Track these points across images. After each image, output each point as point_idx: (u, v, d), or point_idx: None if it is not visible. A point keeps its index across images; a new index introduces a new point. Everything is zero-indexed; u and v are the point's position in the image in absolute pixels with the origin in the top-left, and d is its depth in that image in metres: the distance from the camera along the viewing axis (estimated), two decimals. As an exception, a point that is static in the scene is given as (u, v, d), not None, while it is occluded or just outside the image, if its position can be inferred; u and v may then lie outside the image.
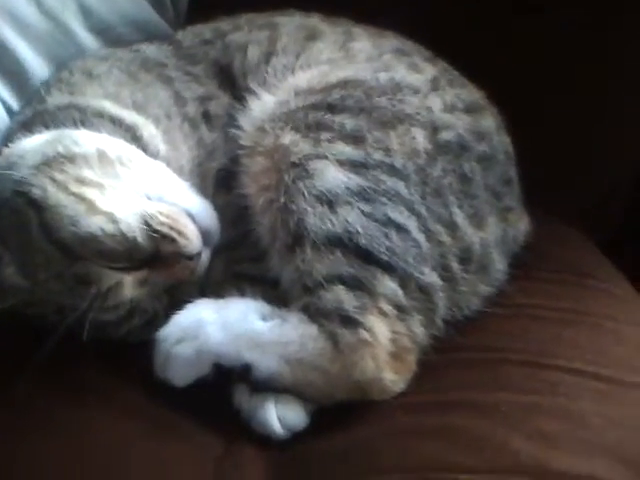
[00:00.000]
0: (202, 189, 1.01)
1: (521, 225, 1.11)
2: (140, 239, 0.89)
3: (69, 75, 1.08)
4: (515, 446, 0.79)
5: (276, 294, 0.93)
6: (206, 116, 1.06)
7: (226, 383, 0.89)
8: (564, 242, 1.21)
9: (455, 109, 1.06)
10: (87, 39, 1.27)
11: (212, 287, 0.98)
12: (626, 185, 1.44)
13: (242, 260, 1.00)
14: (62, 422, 0.86)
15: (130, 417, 0.87)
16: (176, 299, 0.94)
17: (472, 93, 1.12)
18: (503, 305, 1.02)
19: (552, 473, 0.76)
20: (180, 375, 0.87)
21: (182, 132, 1.03)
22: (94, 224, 0.87)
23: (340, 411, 0.87)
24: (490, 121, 1.10)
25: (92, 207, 0.88)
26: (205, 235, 0.95)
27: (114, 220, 0.88)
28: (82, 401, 0.88)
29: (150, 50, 1.15)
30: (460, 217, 0.99)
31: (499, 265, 1.04)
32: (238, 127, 1.01)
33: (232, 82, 1.10)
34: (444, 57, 1.16)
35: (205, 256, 0.96)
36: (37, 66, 1.21)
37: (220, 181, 1.03)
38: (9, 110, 1.18)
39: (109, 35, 1.27)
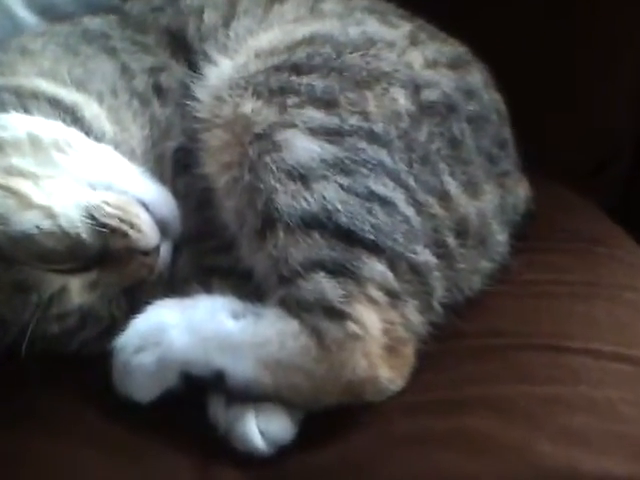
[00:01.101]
0: (159, 173, 0.89)
1: (520, 191, 1.01)
2: (84, 235, 0.77)
3: (2, 55, 0.95)
4: (539, 448, 0.68)
5: (249, 288, 0.82)
6: (157, 89, 0.93)
7: (197, 395, 0.77)
8: (569, 208, 1.11)
9: (438, 64, 0.95)
10: (28, 18, 1.18)
11: (179, 286, 0.86)
12: (629, 148, 1.33)
13: (209, 251, 0.88)
14: (9, 455, 0.74)
15: (89, 444, 0.75)
16: (137, 302, 0.82)
17: (455, 47, 1.01)
18: (508, 282, 0.91)
19: (584, 477, 0.65)
20: (142, 389, 0.76)
21: (131, 109, 0.91)
22: (28, 221, 0.75)
23: (331, 418, 0.76)
24: (477, 77, 0.99)
25: (24, 201, 0.76)
26: (162, 226, 0.83)
27: (52, 215, 0.76)
28: (31, 429, 0.76)
29: (93, 22, 1.03)
30: (452, 185, 0.88)
31: (499, 237, 0.93)
32: (193, 98, 0.88)
33: (186, 50, 0.97)
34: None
35: (165, 250, 0.83)
36: None
37: (179, 162, 0.90)
38: None
39: (53, 14, 1.16)
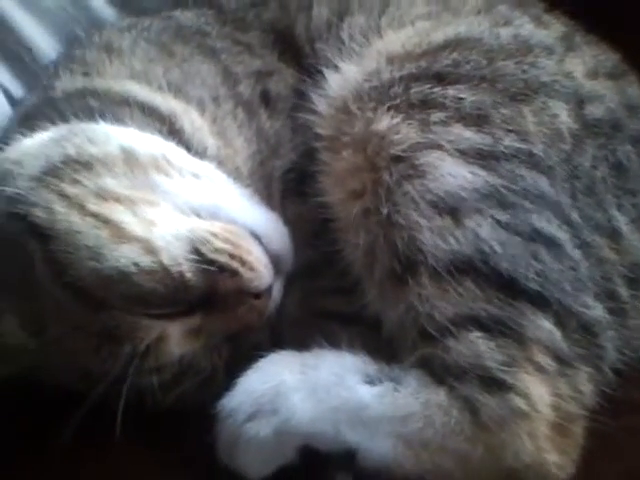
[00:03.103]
0: (266, 197, 0.76)
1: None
2: (189, 274, 0.64)
3: (83, 52, 0.83)
4: None
5: (376, 340, 0.68)
6: (265, 97, 0.80)
7: (318, 472, 0.64)
8: None
9: (598, 74, 0.80)
10: (105, 11, 1.07)
11: (288, 330, 0.73)
12: None
13: (325, 292, 0.74)
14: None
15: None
16: (238, 348, 0.69)
17: (609, 54, 0.86)
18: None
19: None
20: (255, 464, 0.63)
21: (236, 120, 0.78)
22: (123, 257, 0.62)
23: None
24: (637, 89, 0.83)
25: (119, 232, 0.63)
26: (276, 261, 0.70)
27: (151, 249, 0.63)
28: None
29: (186, 16, 0.90)
30: (622, 222, 0.73)
31: None
32: (311, 110, 0.75)
33: (296, 51, 0.84)
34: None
35: (277, 290, 0.70)
36: (45, 46, 1.02)
37: (289, 186, 0.77)
38: (11, 99, 0.98)
39: (132, 7, 1.04)
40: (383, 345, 0.67)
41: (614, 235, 0.71)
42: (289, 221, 0.74)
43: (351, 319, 0.71)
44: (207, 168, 0.72)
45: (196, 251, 0.65)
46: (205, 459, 0.65)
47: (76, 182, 0.65)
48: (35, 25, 1.00)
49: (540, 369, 0.62)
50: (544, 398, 0.62)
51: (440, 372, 0.63)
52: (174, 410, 0.69)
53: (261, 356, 0.67)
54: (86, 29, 1.01)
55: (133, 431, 0.67)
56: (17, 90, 0.98)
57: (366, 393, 0.62)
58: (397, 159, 0.68)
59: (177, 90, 0.77)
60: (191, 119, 0.76)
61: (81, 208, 0.63)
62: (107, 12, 1.09)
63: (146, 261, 0.63)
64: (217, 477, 0.65)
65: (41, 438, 0.67)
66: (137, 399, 0.66)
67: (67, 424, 0.63)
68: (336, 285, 0.73)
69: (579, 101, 0.75)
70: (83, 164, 0.66)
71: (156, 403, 0.68)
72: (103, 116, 0.72)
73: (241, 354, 0.68)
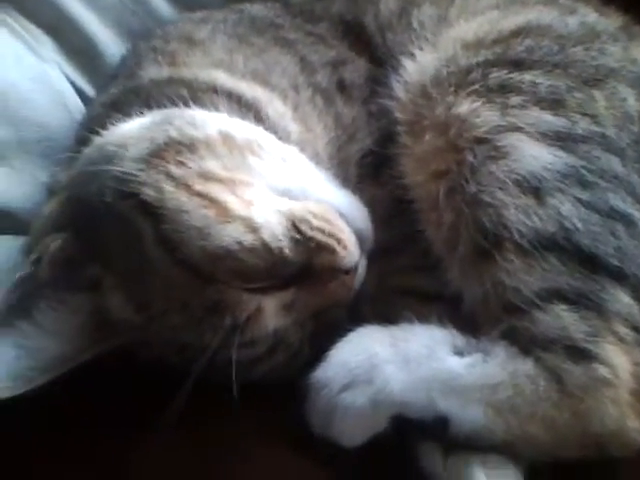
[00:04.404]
0: (343, 180, 0.78)
1: None
2: (287, 250, 0.67)
3: (164, 43, 0.85)
4: None
5: (455, 315, 0.71)
6: (341, 85, 0.83)
7: (410, 440, 0.67)
8: None
9: None
10: (162, 6, 1.10)
11: (364, 306, 0.75)
12: None
13: (403, 271, 0.77)
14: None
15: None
16: (322, 324, 0.72)
17: None
18: None
19: None
20: (350, 433, 0.65)
21: (315, 108, 0.80)
22: (229, 235, 0.65)
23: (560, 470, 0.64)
24: None
25: (224, 211, 0.65)
26: (359, 240, 0.72)
27: (253, 227, 0.66)
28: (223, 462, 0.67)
29: (256, 9, 0.92)
30: None
31: None
32: (389, 96, 0.78)
33: (366, 42, 0.87)
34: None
35: (362, 268, 0.73)
36: (108, 40, 1.05)
37: (366, 170, 0.80)
38: (80, 93, 1.01)
39: (189, 2, 1.08)
40: (463, 320, 0.70)
41: None
42: (366, 203, 0.76)
43: (430, 295, 0.74)
44: (293, 152, 0.75)
45: (295, 228, 0.68)
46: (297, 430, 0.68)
47: (180, 163, 0.67)
48: (97, 22, 1.03)
49: (621, 339, 0.65)
50: (625, 366, 0.64)
51: (527, 343, 0.65)
52: (263, 384, 0.72)
53: (350, 330, 0.70)
54: (146, 26, 1.05)
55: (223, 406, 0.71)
56: (85, 85, 1.01)
57: (456, 364, 0.65)
58: (480, 141, 0.71)
59: (260, 78, 0.80)
60: (275, 106, 0.78)
61: (187, 188, 0.66)
62: (164, 7, 1.13)
63: (249, 239, 0.65)
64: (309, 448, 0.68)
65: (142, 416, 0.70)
66: (227, 374, 0.68)
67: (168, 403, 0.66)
68: (414, 263, 0.76)
69: None
70: (186, 146, 0.68)
71: (248, 377, 0.69)
72: (194, 103, 0.74)
73: (323, 331, 0.71)
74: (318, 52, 0.85)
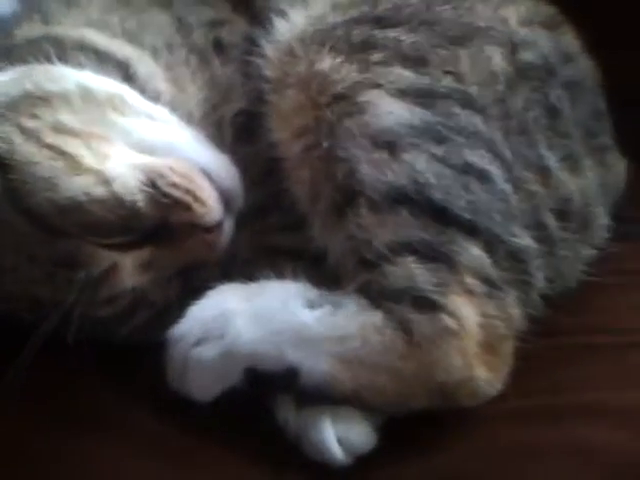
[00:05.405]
0: (217, 140, 0.78)
1: (620, 168, 0.89)
2: (142, 204, 0.67)
3: (42, 3, 0.85)
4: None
5: (321, 271, 0.72)
6: (218, 46, 0.82)
7: (264, 394, 0.68)
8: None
9: (533, 23, 0.83)
10: None
11: (238, 267, 0.76)
12: None
13: (274, 230, 0.78)
14: (49, 453, 0.65)
15: (142, 447, 0.66)
16: (192, 286, 0.72)
17: (547, 6, 0.89)
18: (612, 272, 0.79)
19: None
20: (203, 386, 0.66)
21: (189, 67, 0.80)
22: (77, 186, 0.65)
23: (417, 424, 0.66)
24: (572, 40, 0.88)
25: (74, 164, 0.66)
26: (225, 199, 0.73)
27: (105, 180, 0.66)
28: (75, 428, 0.67)
29: None
30: (552, 160, 0.77)
31: (602, 220, 0.82)
32: (260, 55, 0.78)
33: (247, 1, 0.86)
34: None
35: (228, 227, 0.73)
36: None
37: (240, 128, 0.80)
38: None
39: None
40: (328, 277, 0.71)
41: (544, 171, 0.75)
42: (240, 163, 0.76)
43: (297, 254, 0.75)
44: (161, 111, 0.75)
45: (152, 183, 0.68)
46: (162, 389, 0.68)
47: (34, 116, 0.67)
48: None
49: (469, 291, 0.66)
50: (473, 318, 0.65)
51: (377, 295, 0.66)
52: (130, 344, 0.72)
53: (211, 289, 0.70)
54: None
55: (89, 365, 0.71)
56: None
57: (307, 316, 0.66)
58: (339, 97, 0.71)
59: (132, 37, 0.79)
60: (146, 65, 0.78)
61: (38, 140, 0.66)
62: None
63: (99, 191, 0.66)
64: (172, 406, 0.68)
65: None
66: (92, 332, 0.69)
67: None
68: (284, 222, 0.76)
69: (513, 45, 0.78)
70: (41, 99, 0.69)
71: (110, 335, 0.71)
72: (60, 60, 0.74)
73: (194, 291, 0.71)
74: (196, 12, 0.85)
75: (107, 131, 0.69)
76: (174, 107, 0.77)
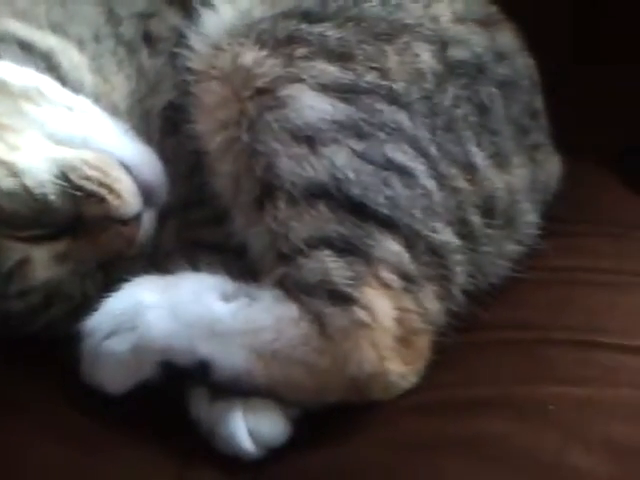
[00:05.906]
0: (144, 133, 0.77)
1: (552, 167, 0.90)
2: (54, 198, 0.66)
3: None
4: (573, 461, 0.58)
5: (242, 266, 0.71)
6: (147, 37, 0.81)
7: (178, 387, 0.67)
8: (602, 189, 0.99)
9: (467, 20, 0.83)
10: None
11: (162, 262, 0.75)
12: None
13: (198, 223, 0.77)
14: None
15: (56, 439, 0.65)
16: (114, 279, 0.71)
17: (485, 4, 0.90)
18: (536, 268, 0.80)
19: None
20: (114, 379, 0.66)
21: (115, 58, 0.79)
22: None
23: (331, 418, 0.66)
24: (509, 38, 0.88)
25: None
26: (146, 192, 0.72)
27: (14, 172, 0.65)
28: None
29: None
30: (479, 157, 0.77)
31: (529, 217, 0.82)
32: (188, 47, 0.77)
33: None
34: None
35: (147, 220, 0.73)
36: None
37: (168, 121, 0.79)
38: None
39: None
40: (246, 270, 0.71)
41: (470, 168, 0.75)
42: (167, 156, 0.76)
43: (218, 248, 0.74)
44: (82, 102, 0.74)
45: (64, 176, 0.67)
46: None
47: None
48: None
49: (384, 285, 0.66)
50: (387, 311, 0.66)
51: (292, 289, 0.66)
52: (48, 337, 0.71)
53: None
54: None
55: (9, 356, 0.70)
56: None
57: (220, 308, 0.66)
58: (261, 91, 0.70)
59: (57, 27, 0.78)
60: (69, 56, 0.77)
61: None
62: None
63: (7, 183, 0.65)
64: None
65: None
66: (5, 327, 0.69)
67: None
68: (206, 215, 0.76)
69: (442, 43, 0.78)
70: None
71: (26, 328, 0.70)
72: None
73: (116, 285, 0.71)
74: (127, 4, 0.84)
75: (18, 122, 0.69)
76: (98, 98, 0.76)
